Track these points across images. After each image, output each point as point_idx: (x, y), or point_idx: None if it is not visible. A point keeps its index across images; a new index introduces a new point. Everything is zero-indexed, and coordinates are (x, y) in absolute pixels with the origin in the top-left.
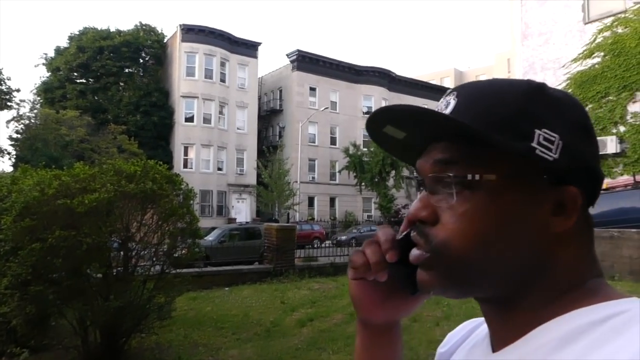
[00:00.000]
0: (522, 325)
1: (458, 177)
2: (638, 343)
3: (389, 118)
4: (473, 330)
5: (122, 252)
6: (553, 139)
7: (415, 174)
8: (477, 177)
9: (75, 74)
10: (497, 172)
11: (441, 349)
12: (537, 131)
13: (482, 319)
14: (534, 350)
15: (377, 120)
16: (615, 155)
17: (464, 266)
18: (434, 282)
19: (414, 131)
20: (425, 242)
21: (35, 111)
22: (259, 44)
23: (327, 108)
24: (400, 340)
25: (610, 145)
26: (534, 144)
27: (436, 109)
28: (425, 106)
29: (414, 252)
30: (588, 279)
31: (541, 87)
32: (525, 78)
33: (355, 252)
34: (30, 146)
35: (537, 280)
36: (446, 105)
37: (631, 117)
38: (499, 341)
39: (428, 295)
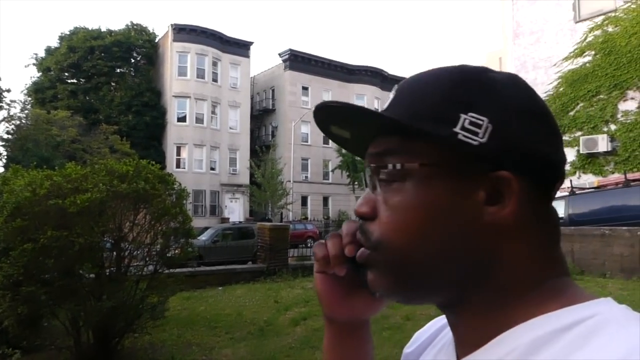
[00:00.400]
0: (478, 332)
1: (380, 166)
2: (606, 353)
3: (330, 119)
4: (442, 329)
5: (114, 252)
6: (481, 122)
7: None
8: (398, 166)
9: (66, 74)
10: (421, 160)
11: (407, 348)
12: (463, 116)
13: None
14: None
15: (322, 122)
16: (606, 153)
17: (401, 263)
18: (378, 282)
19: (354, 129)
20: (366, 239)
21: (26, 112)
22: (251, 43)
23: None
24: (368, 343)
25: (601, 143)
26: (457, 129)
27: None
28: None
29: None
30: (549, 279)
31: (475, 71)
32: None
33: (317, 244)
34: (21, 147)
35: (481, 280)
36: (388, 100)
37: (622, 116)
38: (461, 348)
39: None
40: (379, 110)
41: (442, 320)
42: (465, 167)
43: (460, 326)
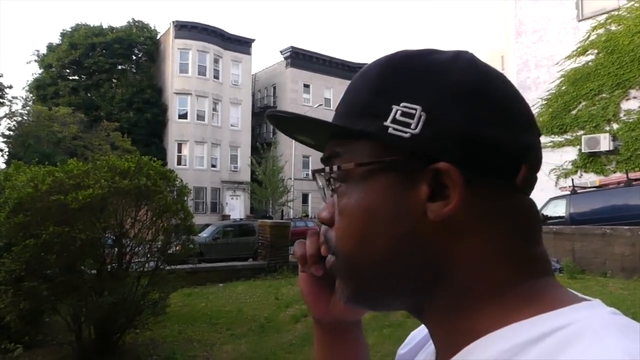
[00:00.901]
0: (448, 340)
1: (317, 171)
2: None
3: (289, 127)
4: None
5: (116, 249)
6: (413, 111)
7: None
8: (335, 168)
9: (68, 70)
10: (357, 160)
11: (402, 349)
12: (395, 107)
13: None
14: None
15: (283, 130)
16: (608, 152)
17: (355, 269)
18: (340, 289)
19: (310, 135)
20: (329, 246)
21: (28, 108)
22: (253, 40)
23: (321, 105)
24: (359, 346)
25: (603, 142)
26: (388, 122)
27: None
28: None
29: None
30: (525, 281)
31: (410, 56)
32: (519, 75)
33: (298, 242)
34: (22, 143)
35: (437, 284)
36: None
37: (624, 115)
38: (438, 358)
39: None
40: None
41: None
42: (402, 163)
43: (432, 333)
